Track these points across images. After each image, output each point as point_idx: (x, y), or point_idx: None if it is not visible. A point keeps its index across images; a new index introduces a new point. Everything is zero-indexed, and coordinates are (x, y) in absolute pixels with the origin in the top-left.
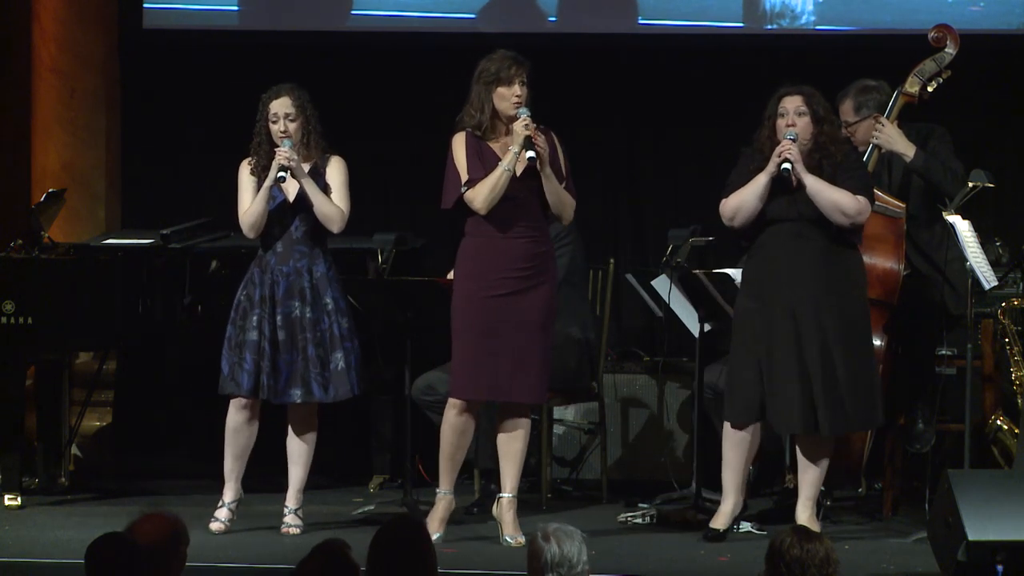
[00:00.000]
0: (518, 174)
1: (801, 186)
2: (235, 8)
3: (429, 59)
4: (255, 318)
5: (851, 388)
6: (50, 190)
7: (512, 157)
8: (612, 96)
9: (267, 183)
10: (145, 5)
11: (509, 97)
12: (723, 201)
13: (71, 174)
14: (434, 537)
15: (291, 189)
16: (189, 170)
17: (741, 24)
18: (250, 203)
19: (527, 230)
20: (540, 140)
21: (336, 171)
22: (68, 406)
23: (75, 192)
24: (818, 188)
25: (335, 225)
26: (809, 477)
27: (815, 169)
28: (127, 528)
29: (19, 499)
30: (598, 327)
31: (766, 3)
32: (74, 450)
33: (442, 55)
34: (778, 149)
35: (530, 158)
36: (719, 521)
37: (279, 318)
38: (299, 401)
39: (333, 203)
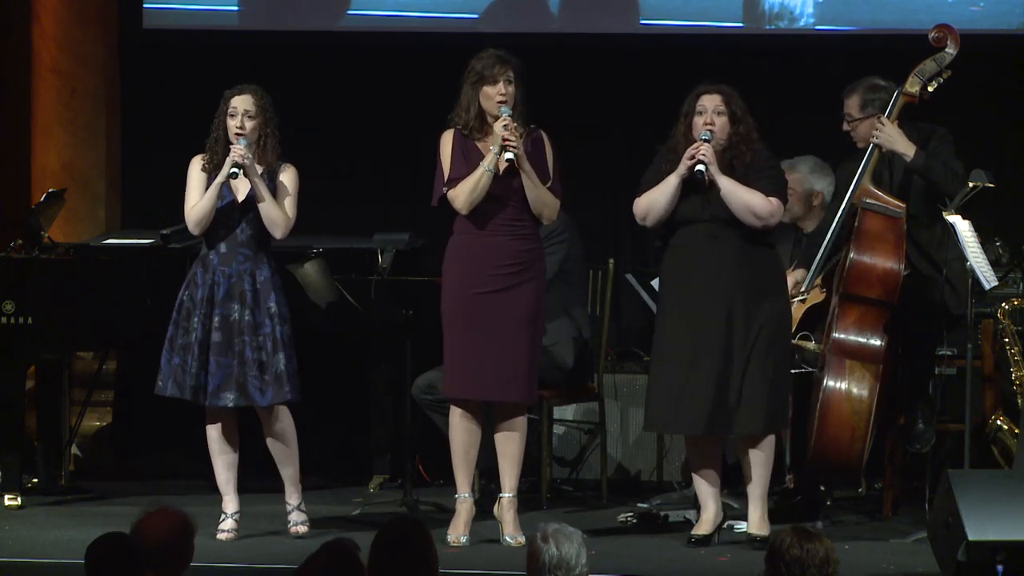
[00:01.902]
0: (500, 172)
1: (714, 186)
2: (235, 8)
3: (431, 59)
4: (195, 319)
5: (767, 389)
6: (50, 190)
7: (492, 158)
8: (613, 96)
9: (219, 178)
10: (145, 5)
11: (494, 96)
12: (636, 200)
13: (71, 174)
14: (461, 540)
15: (241, 189)
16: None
17: (741, 24)
18: (198, 199)
19: (513, 227)
20: (514, 141)
21: (289, 178)
22: (68, 406)
23: (75, 192)
24: (731, 189)
25: (279, 230)
26: (753, 475)
27: (727, 169)
28: (133, 528)
29: (19, 499)
30: (597, 326)
31: (766, 3)
32: (74, 450)
33: (444, 55)
34: (690, 150)
35: (508, 160)
36: (703, 528)
37: (216, 319)
38: (231, 405)
39: (281, 208)
